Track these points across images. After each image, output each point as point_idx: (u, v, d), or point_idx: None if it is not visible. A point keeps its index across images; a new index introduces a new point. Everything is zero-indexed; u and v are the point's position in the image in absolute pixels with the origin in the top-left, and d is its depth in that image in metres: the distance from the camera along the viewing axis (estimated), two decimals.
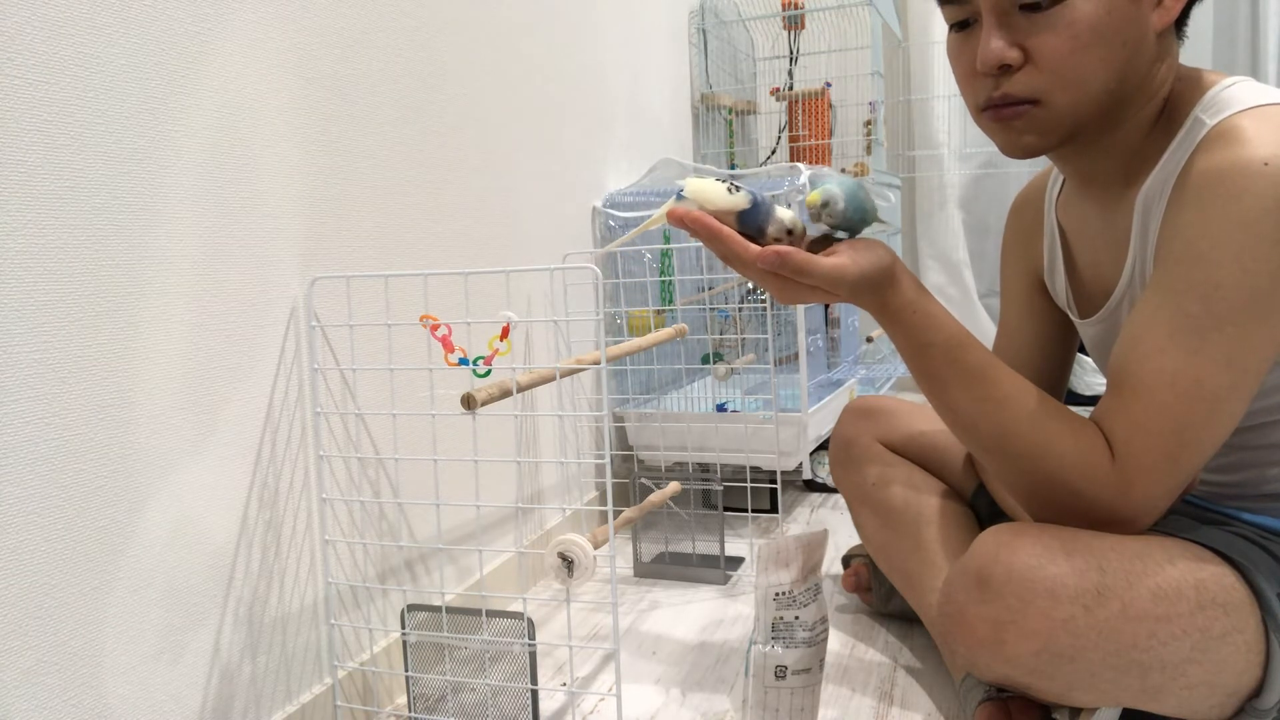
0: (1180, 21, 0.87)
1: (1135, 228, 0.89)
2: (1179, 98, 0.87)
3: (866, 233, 0.89)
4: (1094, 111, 0.84)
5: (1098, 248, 0.97)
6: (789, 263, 0.80)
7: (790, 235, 0.84)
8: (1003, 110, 0.85)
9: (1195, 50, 2.68)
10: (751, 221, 0.83)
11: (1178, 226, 0.81)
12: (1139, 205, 0.88)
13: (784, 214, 0.84)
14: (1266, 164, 0.76)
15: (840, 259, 0.82)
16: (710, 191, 0.83)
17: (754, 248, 0.81)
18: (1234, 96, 0.82)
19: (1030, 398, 0.85)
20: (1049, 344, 1.12)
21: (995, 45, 0.82)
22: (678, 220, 0.82)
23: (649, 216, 0.92)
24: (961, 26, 0.87)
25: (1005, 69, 0.83)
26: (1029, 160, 0.93)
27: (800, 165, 1.67)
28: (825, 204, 0.86)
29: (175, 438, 0.86)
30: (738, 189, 0.83)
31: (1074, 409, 0.86)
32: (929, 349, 0.86)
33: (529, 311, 1.49)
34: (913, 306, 0.85)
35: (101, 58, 0.78)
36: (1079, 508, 0.83)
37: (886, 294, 0.85)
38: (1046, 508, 0.86)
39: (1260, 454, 0.90)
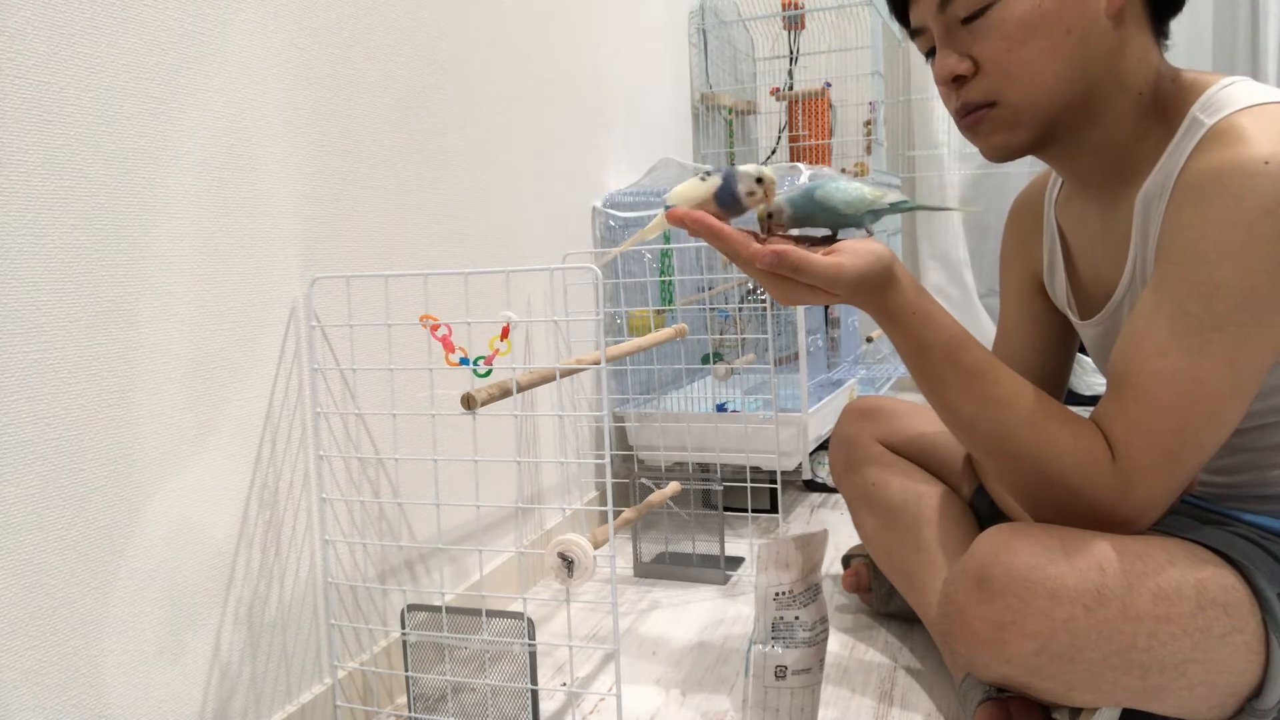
0: (1161, 19, 0.87)
1: (1135, 228, 0.89)
2: (1173, 98, 0.87)
3: (879, 224, 0.89)
4: (1056, 103, 0.86)
5: (1097, 249, 0.97)
6: (785, 261, 0.79)
7: (761, 184, 0.84)
8: (966, 118, 0.90)
9: (1195, 50, 2.68)
10: (727, 196, 0.84)
11: (1178, 226, 0.81)
12: (1139, 205, 0.88)
13: (747, 170, 0.85)
14: (1267, 163, 0.76)
15: (838, 258, 0.82)
16: (689, 190, 0.84)
17: (754, 245, 0.81)
18: (1232, 95, 0.82)
19: (1030, 398, 0.85)
20: (1048, 345, 1.12)
21: (946, 61, 0.88)
22: (678, 221, 0.82)
23: (649, 217, 0.92)
24: (931, 54, 0.92)
25: (960, 80, 0.88)
26: (1027, 161, 0.94)
27: (800, 165, 1.67)
28: (770, 214, 0.87)
29: (175, 438, 0.86)
30: (709, 174, 0.84)
31: (1074, 409, 0.86)
32: (928, 349, 0.86)
33: (529, 311, 1.49)
34: (912, 307, 0.85)
35: (101, 58, 0.78)
36: (1079, 508, 0.83)
37: (885, 294, 0.85)
38: (1046, 508, 0.86)
39: (1261, 455, 0.90)
